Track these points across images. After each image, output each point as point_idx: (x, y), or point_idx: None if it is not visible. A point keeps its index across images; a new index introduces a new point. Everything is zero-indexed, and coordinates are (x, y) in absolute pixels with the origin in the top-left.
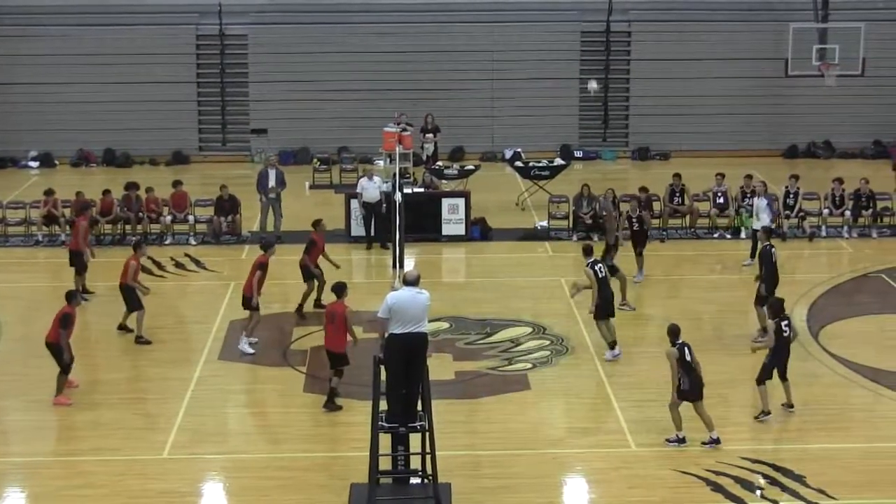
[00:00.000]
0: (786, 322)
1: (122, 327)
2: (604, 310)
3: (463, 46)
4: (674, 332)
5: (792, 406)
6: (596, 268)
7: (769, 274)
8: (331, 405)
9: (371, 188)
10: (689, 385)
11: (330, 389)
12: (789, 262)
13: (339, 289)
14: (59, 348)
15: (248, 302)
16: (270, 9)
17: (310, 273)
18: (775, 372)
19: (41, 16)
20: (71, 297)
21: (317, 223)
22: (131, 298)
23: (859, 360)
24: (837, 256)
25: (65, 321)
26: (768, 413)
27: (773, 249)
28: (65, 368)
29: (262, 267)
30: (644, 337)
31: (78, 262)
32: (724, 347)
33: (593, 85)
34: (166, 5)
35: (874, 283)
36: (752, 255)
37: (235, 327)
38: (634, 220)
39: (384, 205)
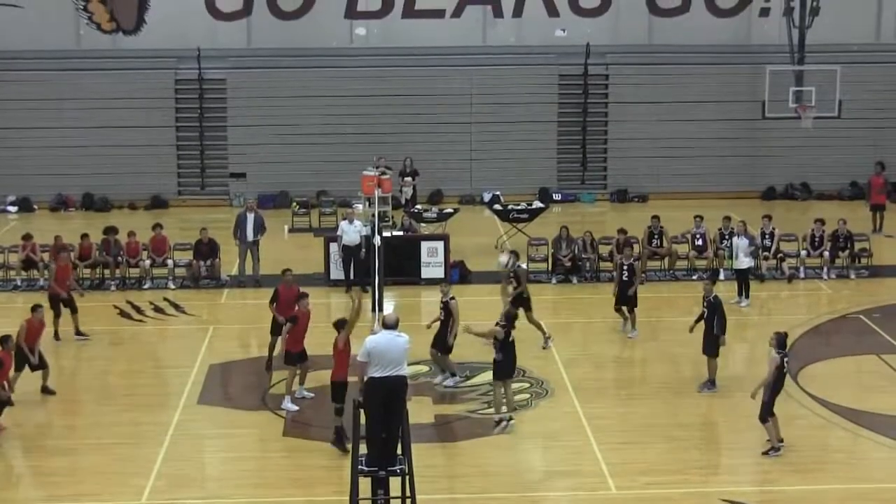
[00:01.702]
0: (787, 358)
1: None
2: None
3: (441, 90)
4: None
5: (781, 441)
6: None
7: (723, 322)
8: (339, 444)
9: (351, 231)
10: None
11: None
12: (767, 303)
13: (340, 324)
14: None
15: (292, 357)
16: (249, 53)
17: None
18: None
19: (19, 60)
20: (4, 341)
21: (283, 272)
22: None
23: (838, 400)
24: (816, 297)
25: None
26: (778, 448)
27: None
28: None
29: (293, 320)
30: (624, 379)
31: (55, 306)
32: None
33: (503, 259)
34: (145, 50)
35: (853, 324)
36: (739, 294)
37: (215, 371)
38: (626, 268)
39: (363, 249)
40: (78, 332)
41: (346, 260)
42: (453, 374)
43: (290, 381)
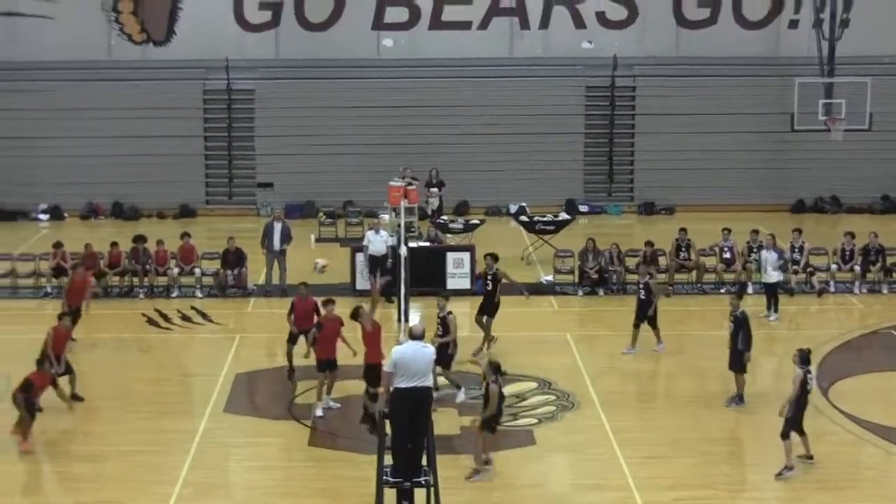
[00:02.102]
0: (811, 374)
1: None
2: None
3: (468, 101)
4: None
5: (811, 457)
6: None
7: (748, 338)
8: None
9: (377, 241)
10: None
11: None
12: (797, 317)
13: (356, 313)
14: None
15: (321, 364)
16: (277, 64)
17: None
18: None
19: (51, 70)
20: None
21: (298, 285)
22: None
23: (870, 417)
24: (846, 312)
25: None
26: (791, 468)
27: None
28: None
29: (318, 326)
30: (651, 392)
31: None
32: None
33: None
34: (175, 60)
35: (884, 339)
36: (769, 308)
37: (241, 380)
38: (642, 287)
39: (390, 259)
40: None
41: (372, 270)
42: (458, 387)
43: (320, 389)
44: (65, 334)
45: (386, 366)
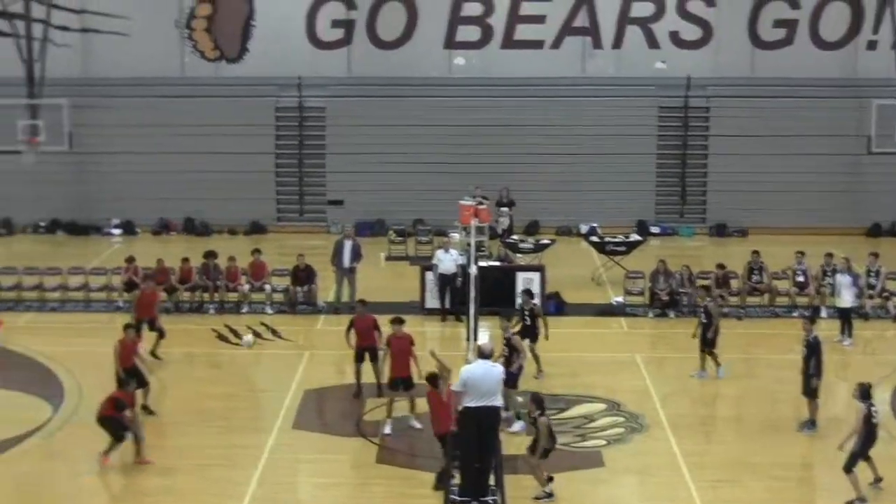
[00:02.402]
0: (874, 407)
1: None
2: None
3: (539, 120)
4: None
5: (881, 479)
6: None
7: (819, 364)
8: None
9: (447, 260)
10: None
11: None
12: (872, 343)
13: (434, 378)
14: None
15: (393, 383)
16: (349, 82)
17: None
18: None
19: (124, 87)
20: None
21: (357, 302)
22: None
23: None
24: None
25: (119, 406)
26: (864, 500)
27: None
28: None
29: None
30: (721, 416)
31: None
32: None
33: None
34: (247, 78)
35: None
36: (843, 332)
37: (310, 396)
38: (702, 310)
39: (459, 277)
40: (152, 353)
41: (441, 288)
42: (518, 418)
43: (389, 407)
44: (131, 346)
45: (455, 385)
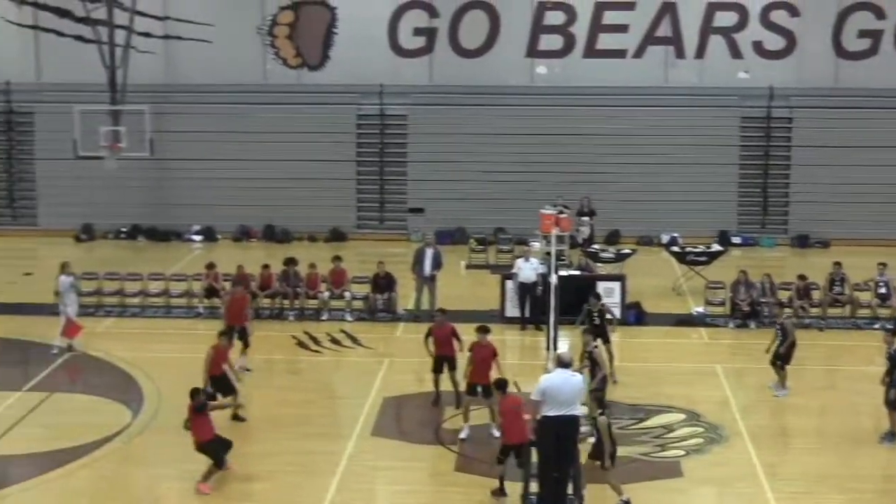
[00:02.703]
0: None
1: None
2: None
3: (621, 129)
4: None
5: None
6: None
7: None
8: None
9: (527, 269)
10: None
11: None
12: None
13: (502, 385)
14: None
15: (487, 390)
16: (430, 90)
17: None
18: None
19: (207, 93)
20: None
21: (437, 311)
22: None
23: None
24: None
25: (199, 408)
26: None
27: None
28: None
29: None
30: (801, 428)
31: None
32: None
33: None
34: (329, 85)
35: None
36: None
37: (389, 404)
38: (778, 329)
39: (539, 286)
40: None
41: (521, 297)
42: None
43: (466, 412)
44: (224, 353)
45: (534, 394)
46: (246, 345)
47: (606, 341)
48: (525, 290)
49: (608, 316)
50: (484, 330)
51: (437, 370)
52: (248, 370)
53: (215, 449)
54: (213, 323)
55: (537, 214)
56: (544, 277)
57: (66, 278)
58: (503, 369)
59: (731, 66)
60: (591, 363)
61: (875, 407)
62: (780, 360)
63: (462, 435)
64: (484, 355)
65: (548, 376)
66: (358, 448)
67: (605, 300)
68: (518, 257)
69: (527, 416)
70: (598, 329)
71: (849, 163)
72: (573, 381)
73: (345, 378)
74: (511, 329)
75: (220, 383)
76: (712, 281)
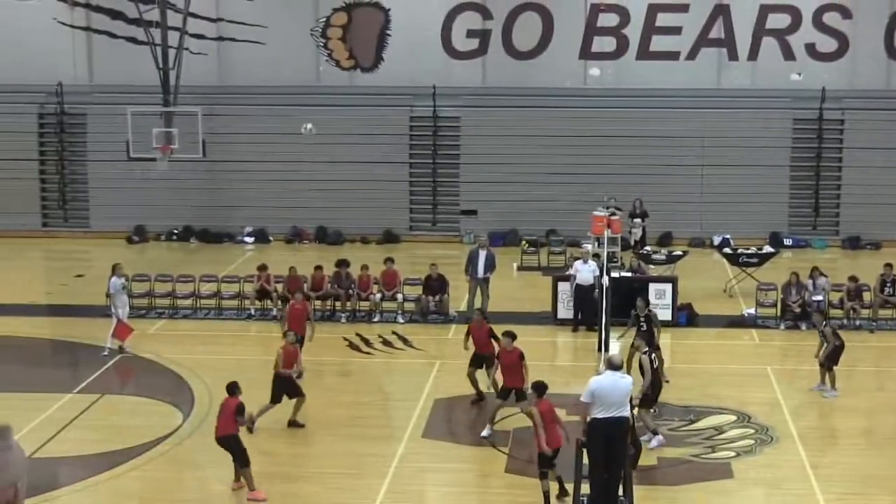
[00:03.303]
0: None
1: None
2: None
3: (673, 131)
4: None
5: None
6: (652, 356)
7: None
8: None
9: (585, 271)
10: None
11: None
12: None
13: (541, 388)
14: (234, 440)
15: (521, 394)
16: (483, 92)
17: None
18: None
19: (259, 95)
20: (233, 388)
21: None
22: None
23: None
24: None
25: (239, 410)
26: None
27: None
28: (244, 460)
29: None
30: (851, 429)
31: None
32: None
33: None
34: (382, 87)
35: None
36: None
37: (440, 406)
38: (821, 332)
39: (596, 289)
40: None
41: (577, 299)
42: (654, 433)
43: (494, 412)
44: (294, 353)
45: (583, 396)
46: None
47: (655, 349)
48: (582, 292)
49: (654, 321)
50: (509, 335)
51: (474, 366)
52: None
53: (238, 443)
54: (264, 325)
55: (589, 216)
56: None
57: (118, 280)
58: (529, 373)
59: (783, 68)
60: (640, 369)
61: None
62: (827, 362)
63: (483, 433)
64: (511, 361)
65: (597, 378)
66: (408, 450)
67: (656, 302)
68: (576, 259)
69: (572, 418)
70: (645, 336)
71: None
72: (622, 382)
73: (396, 380)
74: (563, 331)
75: (286, 385)
76: (763, 283)
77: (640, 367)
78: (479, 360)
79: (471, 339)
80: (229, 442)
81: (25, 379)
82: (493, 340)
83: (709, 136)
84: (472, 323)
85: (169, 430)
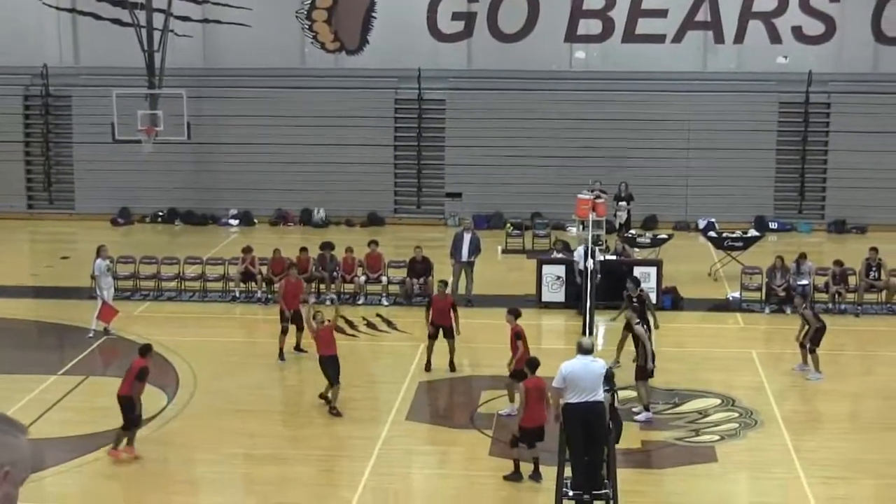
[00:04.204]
0: None
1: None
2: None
3: (659, 114)
4: None
5: None
6: (645, 327)
7: None
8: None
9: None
10: None
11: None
12: None
13: (533, 365)
14: (130, 402)
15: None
16: (468, 74)
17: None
18: None
19: (244, 77)
20: (145, 350)
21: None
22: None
23: None
24: None
25: (141, 374)
26: None
27: None
28: (129, 423)
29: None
30: (835, 413)
31: (283, 321)
32: None
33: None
34: (367, 69)
35: None
36: None
37: (424, 388)
38: (801, 314)
39: (599, 274)
40: (297, 348)
41: (582, 283)
42: (646, 409)
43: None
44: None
45: (555, 381)
46: (300, 328)
47: (648, 328)
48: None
49: (647, 302)
50: (510, 311)
51: (432, 338)
52: (304, 351)
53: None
54: (248, 307)
55: (574, 199)
56: (602, 265)
57: (102, 262)
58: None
59: (769, 52)
60: (634, 340)
61: None
62: (809, 344)
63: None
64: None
65: (568, 363)
66: (392, 432)
67: (641, 286)
68: (581, 245)
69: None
70: (638, 310)
71: (887, 148)
72: (594, 366)
73: (381, 362)
74: (549, 313)
75: (330, 364)
76: (748, 266)
77: (635, 339)
78: (437, 331)
79: (431, 312)
80: (123, 402)
81: (10, 360)
82: (453, 313)
83: (694, 119)
84: (436, 294)
85: (154, 411)
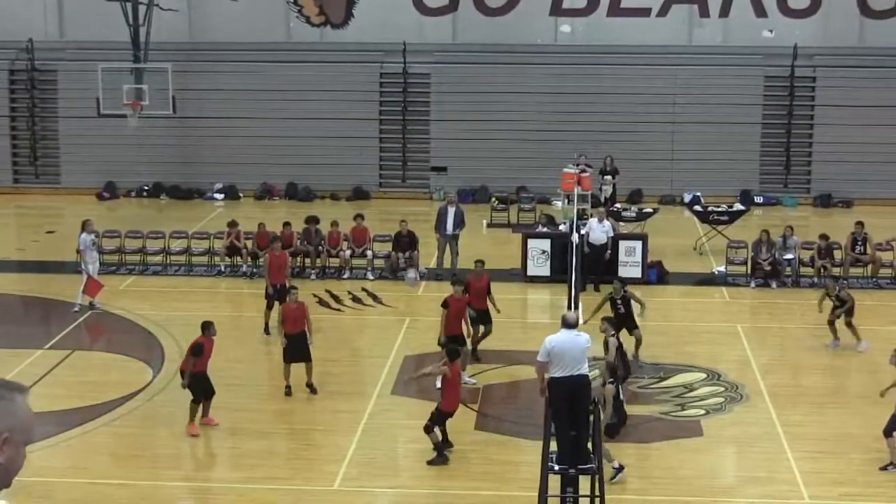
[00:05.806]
0: None
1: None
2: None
3: (644, 88)
4: None
5: None
6: (619, 339)
7: None
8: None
9: (598, 230)
10: None
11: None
12: None
13: (453, 353)
14: (201, 377)
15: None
16: (454, 48)
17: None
18: None
19: (229, 51)
20: (206, 327)
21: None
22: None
23: None
24: None
25: (195, 350)
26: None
27: None
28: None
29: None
30: (821, 387)
31: (268, 297)
32: None
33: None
34: (352, 43)
35: None
36: None
37: (409, 362)
38: (837, 296)
39: (608, 250)
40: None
41: (590, 258)
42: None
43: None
44: (297, 311)
45: (539, 355)
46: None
47: (633, 328)
48: (595, 251)
49: (634, 303)
50: (455, 282)
51: (475, 322)
52: None
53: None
54: (233, 281)
55: (559, 173)
56: (614, 240)
57: (88, 236)
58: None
59: (755, 26)
60: (605, 350)
61: None
62: (847, 318)
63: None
64: (454, 308)
65: (552, 337)
66: (379, 406)
67: (626, 259)
68: (591, 218)
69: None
70: (622, 318)
71: (872, 122)
72: (579, 340)
73: (366, 336)
74: (533, 288)
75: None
76: (734, 240)
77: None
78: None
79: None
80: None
81: None
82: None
83: (680, 93)
84: (471, 276)
85: (139, 386)
